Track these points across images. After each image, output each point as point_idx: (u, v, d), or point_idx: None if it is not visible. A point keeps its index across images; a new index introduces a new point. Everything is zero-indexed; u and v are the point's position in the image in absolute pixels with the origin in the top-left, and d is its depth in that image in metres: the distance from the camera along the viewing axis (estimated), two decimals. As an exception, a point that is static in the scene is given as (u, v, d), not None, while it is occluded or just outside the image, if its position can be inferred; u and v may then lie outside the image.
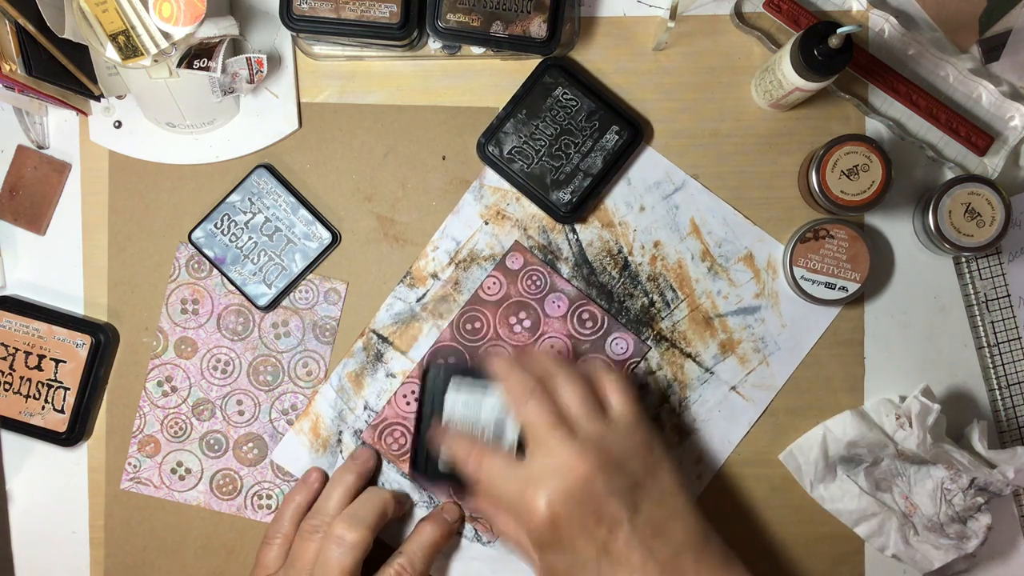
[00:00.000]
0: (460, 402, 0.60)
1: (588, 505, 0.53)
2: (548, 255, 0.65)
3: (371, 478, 0.64)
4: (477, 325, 0.65)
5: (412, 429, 0.64)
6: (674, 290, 0.65)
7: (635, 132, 0.64)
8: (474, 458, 0.57)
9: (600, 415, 0.57)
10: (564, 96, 0.63)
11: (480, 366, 0.62)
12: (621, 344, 0.64)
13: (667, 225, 0.65)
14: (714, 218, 0.65)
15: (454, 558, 0.65)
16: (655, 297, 0.65)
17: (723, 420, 0.65)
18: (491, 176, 0.65)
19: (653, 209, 0.65)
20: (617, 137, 0.63)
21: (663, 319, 0.65)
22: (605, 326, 0.65)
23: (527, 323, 0.65)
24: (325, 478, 0.64)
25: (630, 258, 0.65)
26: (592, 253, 0.65)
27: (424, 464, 0.62)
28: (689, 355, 0.65)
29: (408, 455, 0.64)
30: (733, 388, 0.65)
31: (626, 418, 0.57)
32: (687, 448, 0.65)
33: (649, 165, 0.65)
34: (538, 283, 0.65)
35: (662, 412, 0.65)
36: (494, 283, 0.65)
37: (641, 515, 0.54)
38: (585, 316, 0.65)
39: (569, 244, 0.65)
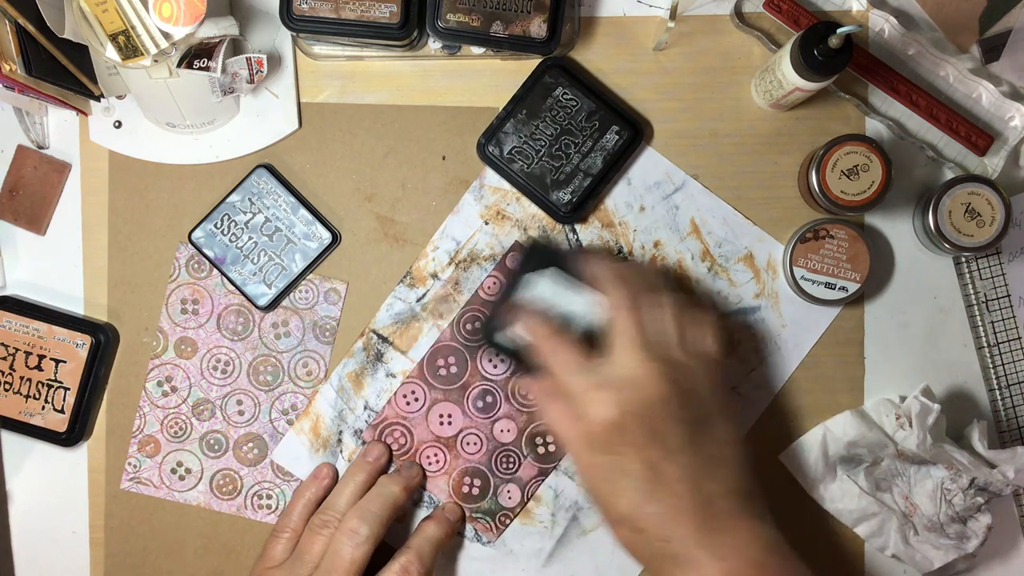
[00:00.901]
0: (548, 287, 0.60)
1: (653, 424, 0.54)
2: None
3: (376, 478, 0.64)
4: (477, 325, 0.65)
5: (494, 297, 0.64)
6: (674, 290, 0.65)
7: (635, 132, 0.64)
8: (551, 343, 0.57)
9: (687, 346, 0.57)
10: (564, 96, 0.64)
11: (581, 265, 0.61)
12: None
13: (667, 225, 0.65)
14: (714, 218, 0.65)
15: (454, 558, 0.65)
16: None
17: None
18: (491, 176, 0.65)
19: (653, 209, 0.65)
20: (617, 137, 0.63)
21: (663, 319, 0.65)
22: None
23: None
24: (336, 473, 0.65)
25: (630, 258, 0.65)
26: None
27: (490, 331, 0.62)
28: (689, 355, 0.65)
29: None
30: (734, 388, 0.65)
31: (709, 357, 0.58)
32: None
33: (649, 165, 0.65)
34: None
35: None
36: (494, 283, 0.65)
37: (698, 449, 0.54)
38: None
39: (569, 244, 0.65)
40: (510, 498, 0.65)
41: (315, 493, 0.63)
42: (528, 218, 0.65)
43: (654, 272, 0.61)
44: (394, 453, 0.65)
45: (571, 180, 0.64)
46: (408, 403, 0.65)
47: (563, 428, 0.56)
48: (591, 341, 0.58)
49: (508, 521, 0.65)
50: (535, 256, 0.62)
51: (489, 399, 0.65)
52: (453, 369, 0.65)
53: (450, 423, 0.65)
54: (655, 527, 0.53)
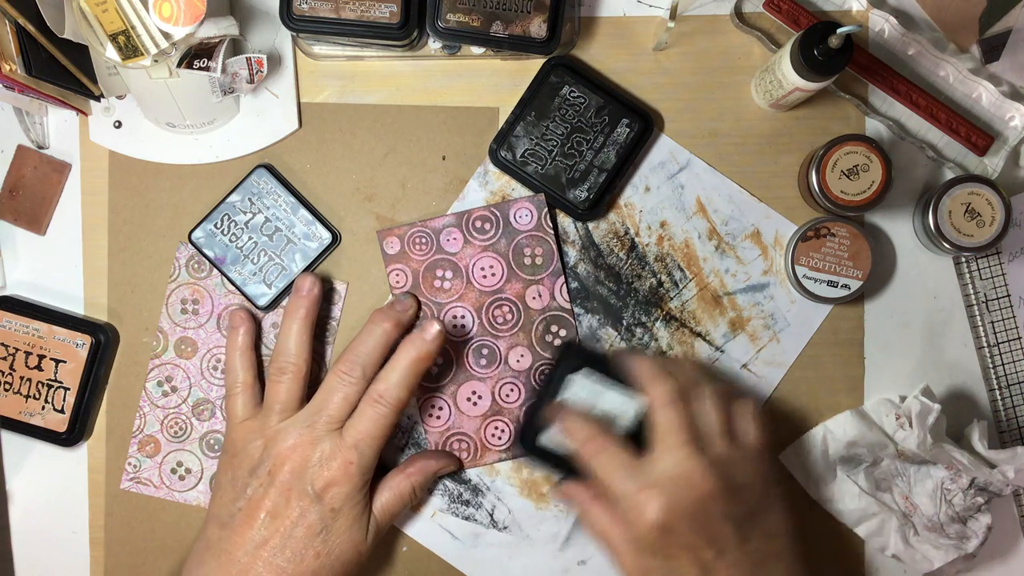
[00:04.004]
0: (584, 387, 0.60)
1: (702, 523, 0.53)
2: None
3: (318, 311, 0.63)
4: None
5: (533, 392, 0.64)
6: (682, 270, 0.65)
7: (645, 123, 0.64)
8: (594, 444, 0.57)
9: (732, 438, 0.57)
10: (571, 94, 0.64)
11: (621, 361, 0.61)
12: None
13: (673, 205, 0.65)
14: (720, 196, 0.65)
15: (471, 545, 0.65)
16: (663, 277, 0.65)
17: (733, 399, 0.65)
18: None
19: (658, 189, 0.65)
20: (628, 130, 0.63)
21: (672, 299, 0.65)
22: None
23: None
24: (252, 316, 0.64)
25: (637, 239, 0.65)
26: (599, 235, 0.65)
27: (530, 435, 0.62)
28: (699, 334, 0.65)
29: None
30: (744, 366, 0.65)
31: (754, 447, 0.58)
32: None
33: (653, 145, 0.65)
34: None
35: None
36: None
37: (750, 546, 0.54)
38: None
39: (576, 227, 0.65)
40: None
41: (244, 340, 0.63)
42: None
43: (692, 366, 0.61)
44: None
45: (586, 177, 0.64)
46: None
47: (610, 532, 0.56)
48: (634, 441, 0.58)
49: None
50: (569, 356, 0.62)
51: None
52: (440, 361, 0.65)
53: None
54: None
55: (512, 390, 0.65)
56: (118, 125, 0.65)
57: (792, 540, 0.57)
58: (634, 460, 0.56)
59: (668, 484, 0.54)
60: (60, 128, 0.66)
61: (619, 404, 0.60)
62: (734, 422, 0.58)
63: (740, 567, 0.53)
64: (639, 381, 0.58)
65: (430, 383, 0.65)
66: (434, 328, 0.58)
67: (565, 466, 0.61)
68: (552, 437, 0.61)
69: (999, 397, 0.65)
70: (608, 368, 0.61)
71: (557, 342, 0.64)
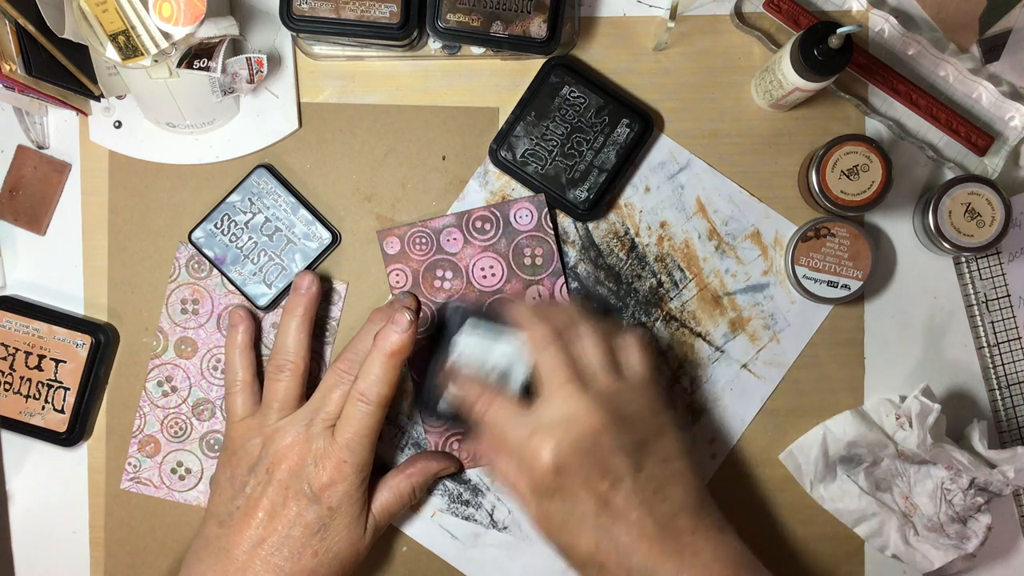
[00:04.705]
0: (471, 344, 0.60)
1: (593, 458, 0.53)
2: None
3: (317, 309, 0.63)
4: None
5: (421, 366, 0.64)
6: (682, 270, 0.65)
7: (645, 123, 0.64)
8: (482, 401, 0.57)
9: (615, 371, 0.57)
10: (571, 94, 0.64)
11: (499, 311, 0.61)
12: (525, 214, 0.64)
13: (673, 205, 0.65)
14: (720, 196, 0.65)
15: (470, 545, 0.65)
16: (663, 278, 0.65)
17: (735, 398, 0.65)
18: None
19: (658, 189, 0.65)
20: (628, 130, 0.63)
21: (672, 299, 0.65)
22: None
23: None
24: (251, 313, 0.64)
25: (637, 239, 0.65)
26: (599, 235, 0.65)
27: (428, 401, 0.62)
28: (699, 334, 0.65)
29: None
30: (744, 366, 0.65)
31: (639, 377, 0.58)
32: (700, 428, 0.65)
33: (653, 145, 0.65)
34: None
35: (674, 392, 0.65)
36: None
37: (643, 473, 0.54)
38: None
39: (576, 227, 0.65)
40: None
41: (244, 339, 0.63)
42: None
43: (565, 305, 0.61)
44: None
45: (586, 177, 0.64)
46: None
47: (512, 482, 0.56)
48: (529, 388, 0.58)
49: None
50: (451, 317, 0.61)
51: None
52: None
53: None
54: (616, 560, 0.53)
55: None
56: (118, 125, 0.65)
57: (688, 462, 0.56)
58: (523, 408, 0.56)
59: (556, 425, 0.54)
60: (60, 128, 0.66)
61: (510, 355, 0.59)
62: (616, 355, 0.58)
63: (637, 494, 0.53)
64: (517, 327, 0.58)
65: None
66: (404, 319, 0.57)
67: (466, 426, 0.61)
68: (450, 401, 0.61)
69: (999, 397, 0.65)
70: (494, 318, 0.61)
71: None
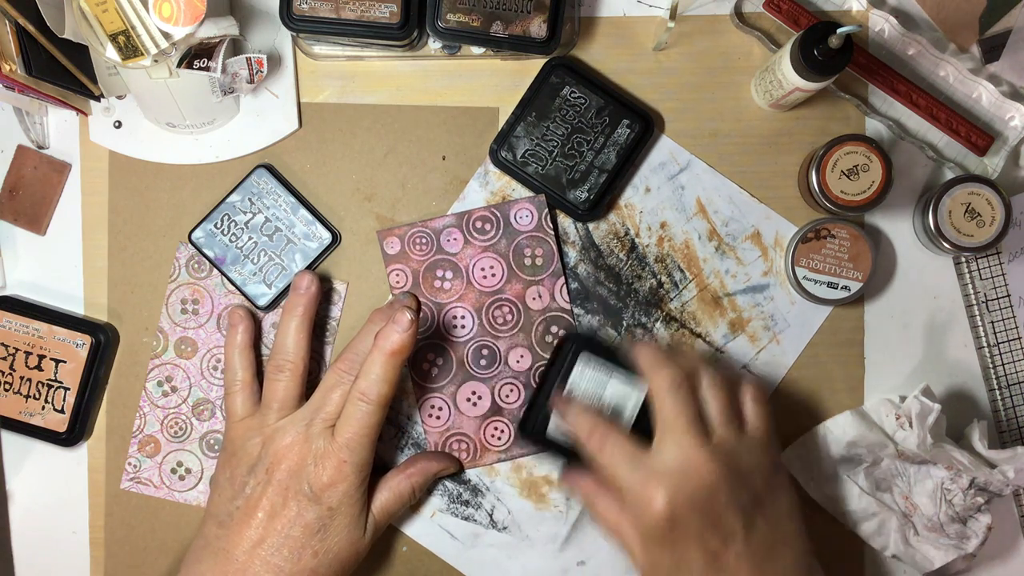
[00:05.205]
0: (588, 376, 0.60)
1: (709, 512, 0.53)
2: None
3: (316, 309, 0.63)
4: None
5: (533, 388, 0.64)
6: (682, 270, 0.65)
7: (646, 124, 0.64)
8: (599, 436, 0.56)
9: (736, 425, 0.57)
10: (572, 95, 0.64)
11: (621, 350, 0.61)
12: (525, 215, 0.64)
13: (673, 206, 0.65)
14: (720, 197, 0.65)
15: (470, 545, 0.65)
16: (663, 278, 0.65)
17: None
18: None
19: (659, 190, 0.65)
20: (628, 131, 0.63)
21: (672, 300, 0.65)
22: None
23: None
24: (250, 313, 0.64)
25: (637, 240, 0.65)
26: (599, 236, 0.65)
27: (535, 425, 0.62)
28: (699, 335, 0.65)
29: (520, 414, 0.64)
30: (744, 367, 0.65)
31: (759, 433, 0.57)
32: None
33: (654, 146, 0.65)
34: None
35: None
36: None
37: (757, 533, 0.54)
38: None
39: (576, 227, 0.65)
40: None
41: (243, 338, 0.63)
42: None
43: (693, 352, 0.61)
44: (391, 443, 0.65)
45: (587, 178, 0.64)
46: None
47: (616, 523, 0.56)
48: (640, 430, 0.58)
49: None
50: (571, 346, 0.61)
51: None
52: (440, 362, 0.65)
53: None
54: None
55: (512, 391, 0.65)
56: (118, 125, 0.65)
57: (800, 525, 0.56)
58: (638, 451, 0.55)
59: (672, 474, 0.54)
60: (60, 128, 0.66)
61: (623, 393, 0.60)
62: (739, 408, 0.58)
63: (748, 554, 0.53)
64: (640, 368, 0.58)
65: (430, 383, 0.65)
66: (405, 318, 0.57)
67: (570, 455, 0.61)
68: (557, 427, 0.61)
69: (999, 397, 0.65)
70: (609, 355, 0.61)
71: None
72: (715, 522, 0.53)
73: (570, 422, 0.59)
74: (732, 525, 0.53)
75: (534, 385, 0.64)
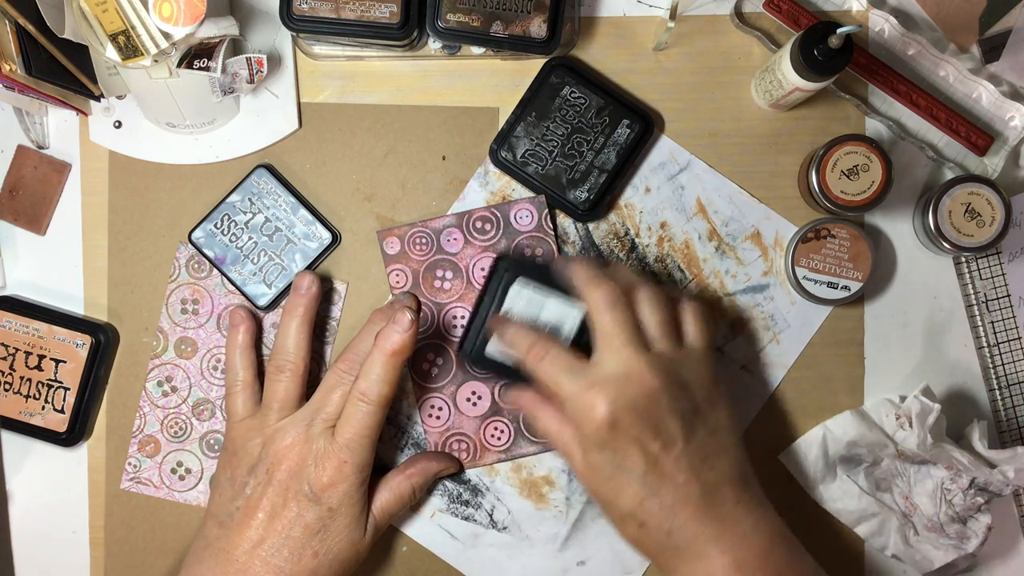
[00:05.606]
0: (524, 297, 0.60)
1: (649, 417, 0.54)
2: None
3: (317, 309, 0.63)
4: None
5: (469, 312, 0.64)
6: (682, 271, 0.65)
7: (646, 124, 0.64)
8: (537, 350, 0.57)
9: (675, 338, 0.58)
10: (572, 95, 0.64)
11: (556, 271, 0.61)
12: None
13: (673, 206, 0.65)
14: (720, 197, 0.65)
15: (470, 545, 0.65)
16: (663, 278, 0.65)
17: (735, 399, 0.65)
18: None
19: (659, 190, 0.65)
20: (628, 131, 0.63)
21: (672, 299, 0.65)
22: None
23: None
24: (251, 313, 0.64)
25: (637, 240, 0.65)
26: (599, 236, 0.65)
27: (473, 348, 0.61)
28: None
29: (458, 339, 0.64)
30: (743, 367, 0.65)
31: (699, 347, 0.58)
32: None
33: (654, 146, 0.65)
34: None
35: None
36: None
37: (695, 440, 0.55)
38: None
39: (576, 228, 0.65)
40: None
41: (244, 339, 0.63)
42: (528, 218, 0.65)
43: (627, 268, 0.61)
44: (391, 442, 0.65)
45: (587, 178, 0.64)
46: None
47: (558, 432, 0.57)
48: (579, 348, 0.58)
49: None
50: (504, 269, 0.61)
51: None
52: (440, 362, 0.65)
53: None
54: (658, 520, 0.54)
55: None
56: (118, 125, 0.65)
57: (736, 437, 0.57)
58: (579, 362, 0.56)
59: (613, 382, 0.54)
60: (60, 128, 0.66)
61: (561, 312, 0.60)
62: (677, 323, 0.59)
63: (686, 459, 0.54)
64: (578, 285, 0.58)
65: (430, 383, 0.65)
66: (406, 318, 0.57)
67: (511, 375, 0.61)
68: (497, 347, 0.61)
69: (999, 397, 0.65)
70: (544, 275, 0.61)
71: None
72: (656, 427, 0.54)
73: (508, 340, 0.59)
74: (672, 431, 0.54)
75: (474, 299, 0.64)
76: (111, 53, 0.56)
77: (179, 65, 0.58)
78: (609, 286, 0.57)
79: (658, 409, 0.54)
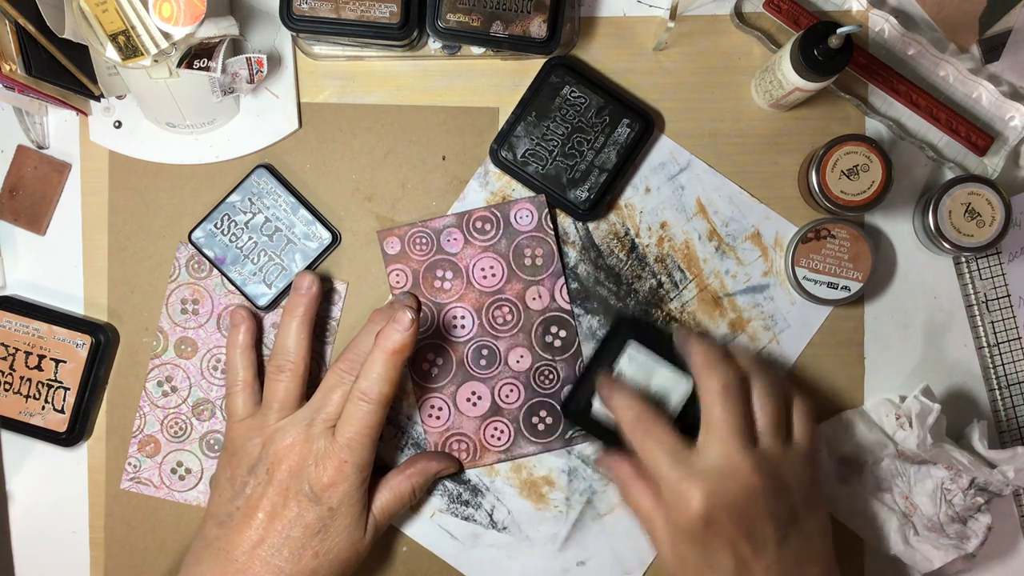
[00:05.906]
0: (637, 361, 0.60)
1: (744, 518, 0.53)
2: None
3: (317, 309, 0.63)
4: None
5: (578, 370, 0.64)
6: (682, 271, 0.65)
7: (646, 124, 0.64)
8: (643, 426, 0.56)
9: (783, 437, 0.57)
10: (572, 94, 0.64)
11: (672, 339, 0.61)
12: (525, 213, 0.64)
13: (673, 206, 0.65)
14: (720, 197, 0.65)
15: (470, 545, 0.65)
16: (663, 278, 0.65)
17: None
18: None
19: (659, 190, 0.65)
20: (629, 130, 0.63)
21: (672, 300, 0.65)
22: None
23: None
24: (251, 313, 0.64)
25: (637, 240, 0.65)
26: (599, 236, 0.65)
27: (579, 405, 0.62)
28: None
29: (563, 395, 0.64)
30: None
31: (804, 449, 0.57)
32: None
33: (654, 146, 0.65)
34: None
35: None
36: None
37: (788, 547, 0.54)
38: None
39: (576, 227, 0.65)
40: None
41: (245, 338, 0.63)
42: (528, 218, 0.65)
43: (748, 355, 0.60)
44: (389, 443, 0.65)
45: (587, 177, 0.64)
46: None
47: (649, 514, 0.56)
48: (682, 422, 0.58)
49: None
50: (622, 331, 0.61)
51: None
52: (440, 362, 0.65)
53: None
54: None
55: (512, 391, 0.65)
56: (118, 125, 0.65)
57: (830, 546, 0.57)
58: (681, 447, 0.55)
59: (713, 475, 0.54)
60: (60, 128, 0.66)
61: (672, 382, 0.60)
62: (787, 420, 0.58)
63: (777, 565, 0.53)
64: (694, 366, 0.58)
65: (430, 383, 0.65)
66: (407, 317, 0.57)
67: (609, 437, 0.61)
68: (603, 408, 0.61)
69: (999, 397, 0.65)
70: (660, 343, 0.61)
71: (557, 343, 0.64)
72: (749, 529, 0.53)
73: (614, 406, 0.58)
74: (766, 535, 0.53)
75: (534, 386, 0.64)
76: (111, 53, 0.56)
77: (179, 65, 0.58)
78: (725, 374, 0.56)
79: (755, 511, 0.53)
